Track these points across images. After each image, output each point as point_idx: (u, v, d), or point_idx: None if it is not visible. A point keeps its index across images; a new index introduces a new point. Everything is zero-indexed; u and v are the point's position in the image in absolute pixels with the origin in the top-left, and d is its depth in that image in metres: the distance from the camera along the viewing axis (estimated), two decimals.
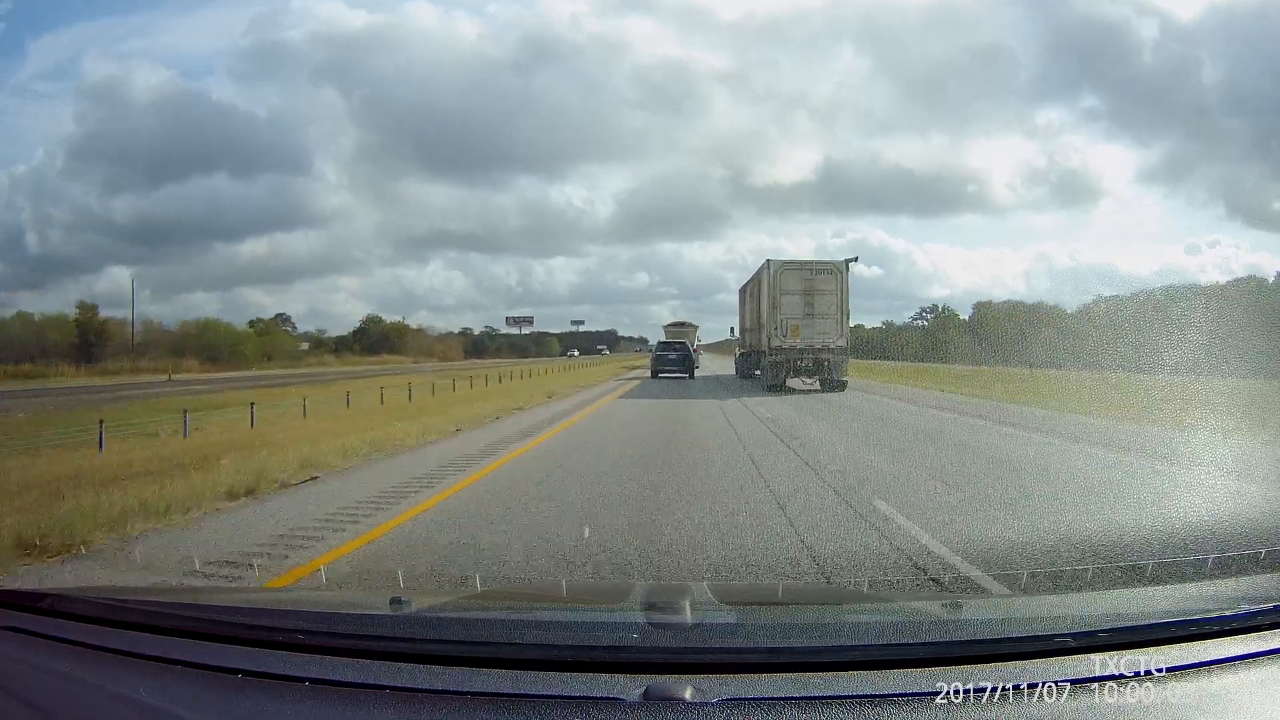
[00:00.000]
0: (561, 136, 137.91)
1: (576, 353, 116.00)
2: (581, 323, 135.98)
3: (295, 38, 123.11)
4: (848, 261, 27.49)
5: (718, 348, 73.98)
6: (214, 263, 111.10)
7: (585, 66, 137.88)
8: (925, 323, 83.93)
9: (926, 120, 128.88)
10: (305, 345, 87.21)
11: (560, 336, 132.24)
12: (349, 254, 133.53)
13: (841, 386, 26.08)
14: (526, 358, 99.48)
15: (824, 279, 26.62)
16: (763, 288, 28.02)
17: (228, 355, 64.55)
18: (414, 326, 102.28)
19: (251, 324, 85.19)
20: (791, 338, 26.28)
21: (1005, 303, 67.85)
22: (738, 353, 39.22)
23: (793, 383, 27.08)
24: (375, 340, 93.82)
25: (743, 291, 36.45)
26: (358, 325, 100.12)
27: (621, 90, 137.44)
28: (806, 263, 27.45)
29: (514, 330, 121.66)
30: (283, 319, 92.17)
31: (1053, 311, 50.36)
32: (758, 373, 31.04)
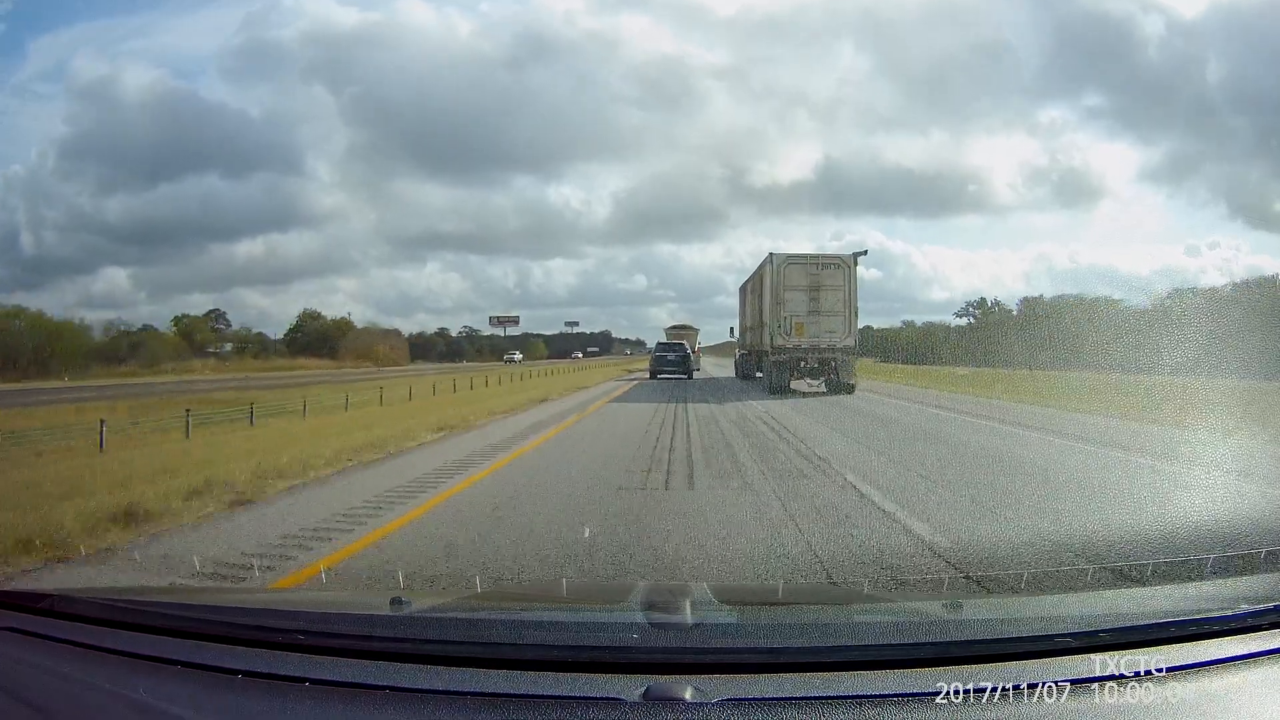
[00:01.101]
0: (559, 136, 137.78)
1: (519, 356, 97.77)
2: (576, 324, 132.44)
3: (288, 36, 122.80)
4: (856, 255, 25.64)
5: (716, 350, 73.61)
6: (210, 263, 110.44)
7: (581, 64, 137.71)
8: (972, 320, 73.74)
9: (928, 119, 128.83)
10: (228, 346, 76.24)
11: (548, 339, 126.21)
12: (346, 255, 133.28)
13: (849, 389, 24.32)
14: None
15: (831, 274, 24.87)
16: (765, 283, 26.22)
17: (29, 358, 49.24)
18: (359, 325, 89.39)
19: (176, 320, 76.72)
20: (795, 336, 24.61)
21: (1057, 299, 59.98)
22: (737, 354, 38.30)
23: (796, 385, 25.43)
24: (312, 340, 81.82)
25: (743, 289, 34.99)
26: (293, 323, 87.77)
27: (618, 89, 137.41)
28: (813, 256, 25.71)
29: (499, 331, 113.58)
30: (215, 316, 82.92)
31: (1112, 308, 43.93)
32: (758, 374, 29.52)
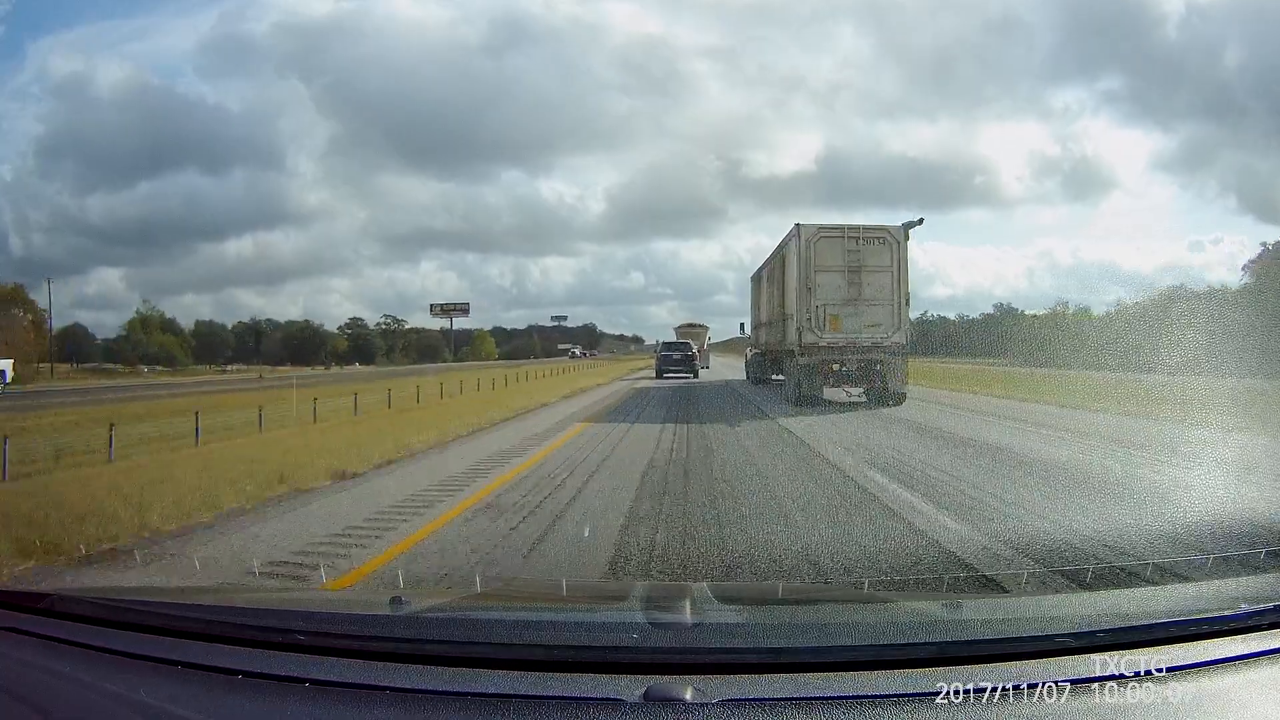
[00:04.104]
0: (550, 128, 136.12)
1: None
2: (564, 318, 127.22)
3: (263, 29, 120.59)
4: (907, 226, 19.49)
5: (721, 346, 73.32)
6: (201, 263, 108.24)
7: (568, 51, 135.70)
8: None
9: (934, 105, 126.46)
10: None
11: (497, 332, 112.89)
12: (339, 254, 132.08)
13: (899, 399, 18.91)
14: (435, 363, 71.23)
15: (874, 251, 19.08)
16: (789, 264, 20.50)
17: None
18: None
19: None
20: (830, 332, 19.00)
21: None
22: (750, 353, 33.38)
23: (830, 394, 19.87)
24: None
25: (757, 277, 29.10)
26: None
27: (607, 77, 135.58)
28: (851, 229, 19.45)
29: (444, 322, 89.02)
30: None
31: None
32: (776, 378, 24.74)
